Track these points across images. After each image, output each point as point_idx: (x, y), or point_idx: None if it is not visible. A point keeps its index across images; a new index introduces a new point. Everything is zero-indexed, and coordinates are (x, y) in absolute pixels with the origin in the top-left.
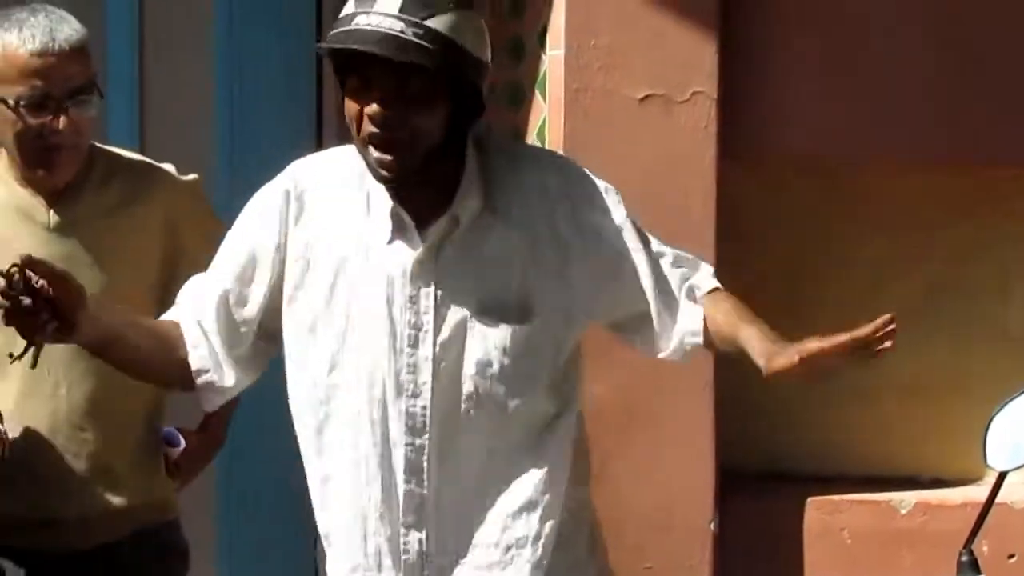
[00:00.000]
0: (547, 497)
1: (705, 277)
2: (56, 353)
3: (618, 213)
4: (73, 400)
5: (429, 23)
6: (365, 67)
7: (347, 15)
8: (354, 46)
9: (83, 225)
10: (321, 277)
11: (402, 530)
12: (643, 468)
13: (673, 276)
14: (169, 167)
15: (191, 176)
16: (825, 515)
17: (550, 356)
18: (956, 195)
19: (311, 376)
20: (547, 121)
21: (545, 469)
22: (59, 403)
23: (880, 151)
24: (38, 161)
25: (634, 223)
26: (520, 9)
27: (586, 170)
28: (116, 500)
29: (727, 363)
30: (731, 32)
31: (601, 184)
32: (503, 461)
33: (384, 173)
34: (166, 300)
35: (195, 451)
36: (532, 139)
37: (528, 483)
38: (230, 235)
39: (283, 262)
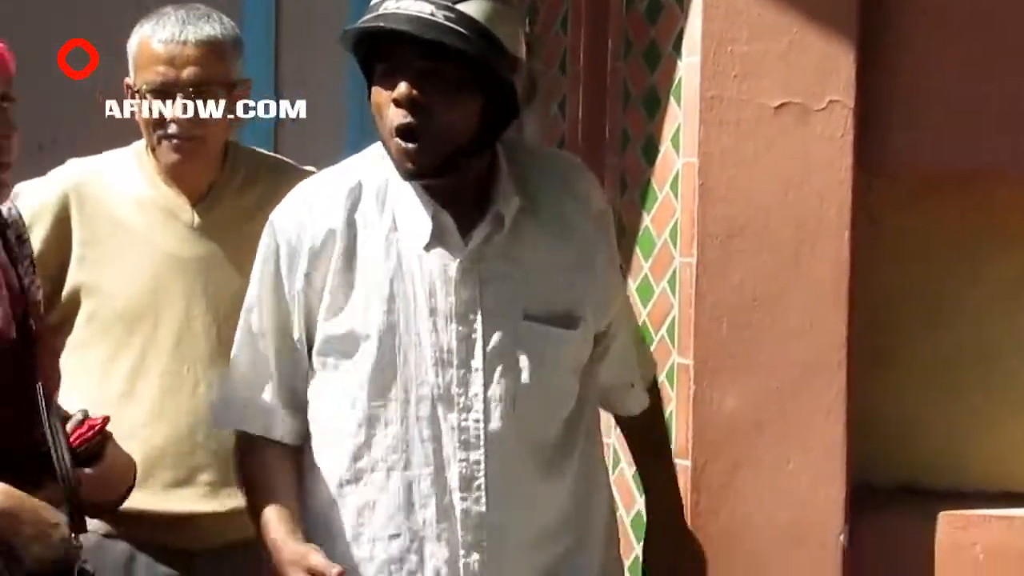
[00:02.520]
0: (599, 496)
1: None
2: (197, 352)
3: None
4: (207, 398)
5: (460, 7)
6: (394, 53)
7: (375, 3)
8: (381, 24)
9: (224, 226)
10: (355, 300)
11: (462, 552)
12: (772, 481)
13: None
14: (311, 170)
15: None
16: (957, 530)
17: (587, 355)
18: None
19: (349, 400)
20: (681, 128)
21: (596, 469)
22: (199, 402)
23: (1020, 163)
24: (162, 149)
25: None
26: (655, 15)
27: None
28: None
29: (861, 376)
30: (869, 40)
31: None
32: (551, 467)
33: (408, 165)
34: None
35: None
36: (667, 146)
37: (579, 486)
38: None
39: (309, 303)
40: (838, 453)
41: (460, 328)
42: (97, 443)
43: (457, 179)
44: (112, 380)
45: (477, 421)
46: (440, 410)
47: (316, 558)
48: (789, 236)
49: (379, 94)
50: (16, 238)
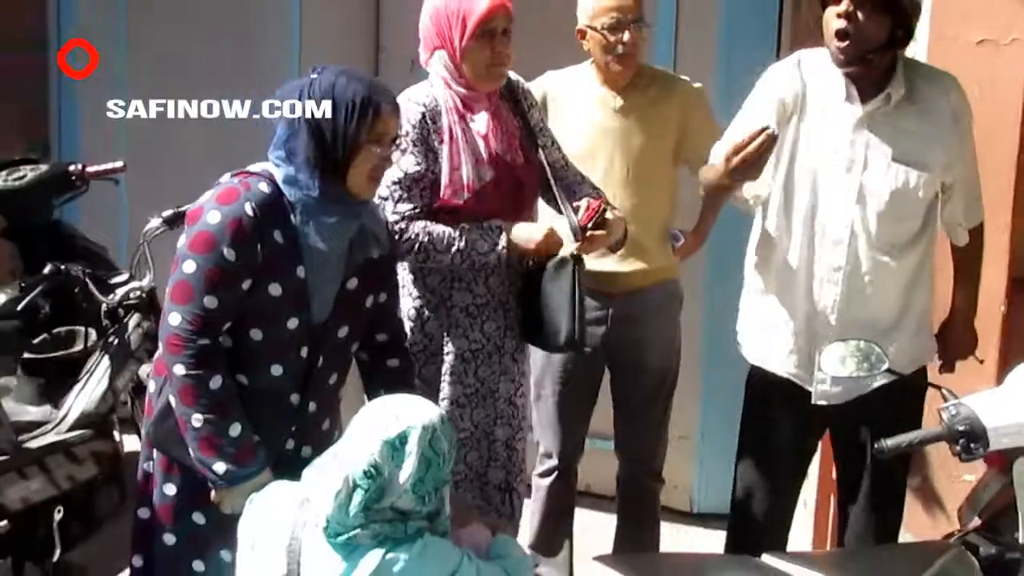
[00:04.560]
0: (924, 285)
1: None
2: (616, 180)
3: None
4: (624, 207)
5: None
6: None
7: None
8: None
9: (635, 109)
10: (812, 120)
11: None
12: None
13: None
14: (686, 79)
15: (698, 85)
16: None
17: (931, 193)
18: None
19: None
20: (916, 56)
21: (929, 261)
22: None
23: None
24: (612, 63)
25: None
26: None
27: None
28: (645, 264)
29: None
30: None
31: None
32: (905, 249)
33: (840, 57)
34: (675, 166)
35: (690, 244)
36: None
37: (918, 267)
38: (756, 92)
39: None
40: (1002, 257)
41: (849, 153)
42: (600, 215)
43: (866, 70)
44: None
45: (850, 216)
46: (835, 202)
47: None
48: (980, 128)
49: (828, 13)
50: (524, 100)
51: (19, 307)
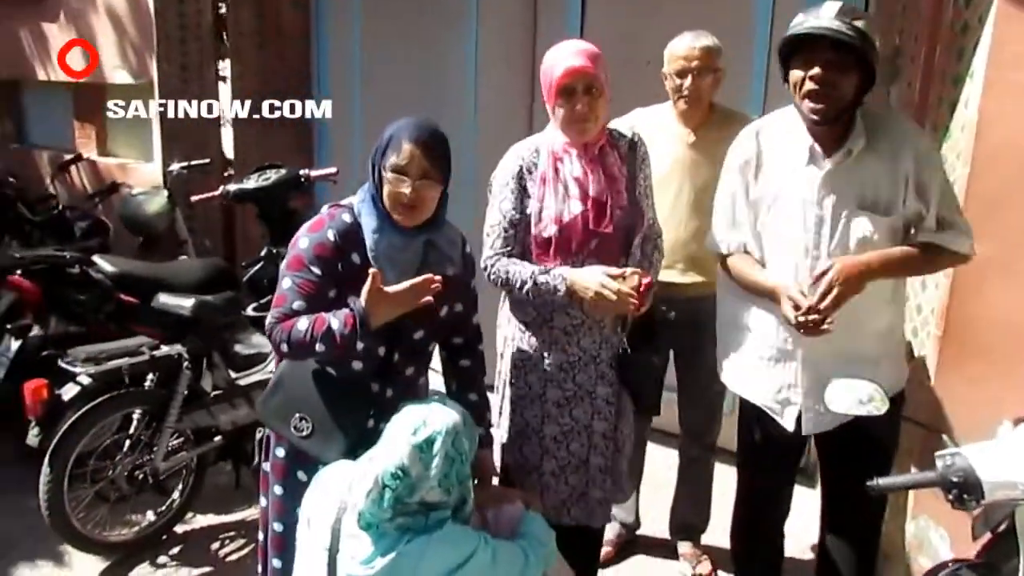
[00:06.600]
0: (897, 324)
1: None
2: (685, 203)
3: (942, 180)
4: (689, 227)
5: (854, 23)
6: (811, 50)
7: (798, 23)
8: (813, 31)
9: (703, 145)
10: (771, 181)
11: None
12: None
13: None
14: (752, 117)
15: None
16: None
17: (899, 233)
18: None
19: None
20: (971, 96)
21: (895, 304)
22: (680, 230)
23: None
24: (681, 102)
25: (947, 181)
26: (965, 31)
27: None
28: (702, 277)
29: None
30: None
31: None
32: (870, 301)
33: (814, 117)
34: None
35: None
36: (960, 106)
37: (887, 312)
38: None
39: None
40: None
41: (818, 211)
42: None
43: (832, 127)
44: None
45: (819, 260)
46: (800, 256)
47: None
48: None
49: (795, 74)
50: (639, 157)
51: (244, 279)
